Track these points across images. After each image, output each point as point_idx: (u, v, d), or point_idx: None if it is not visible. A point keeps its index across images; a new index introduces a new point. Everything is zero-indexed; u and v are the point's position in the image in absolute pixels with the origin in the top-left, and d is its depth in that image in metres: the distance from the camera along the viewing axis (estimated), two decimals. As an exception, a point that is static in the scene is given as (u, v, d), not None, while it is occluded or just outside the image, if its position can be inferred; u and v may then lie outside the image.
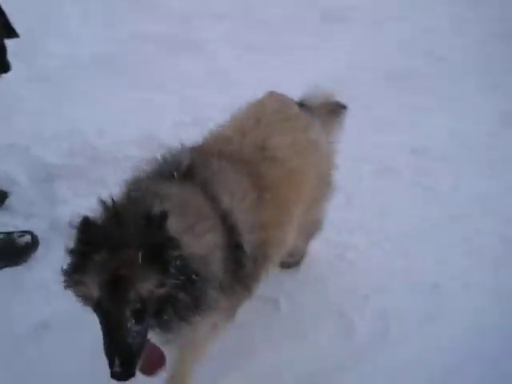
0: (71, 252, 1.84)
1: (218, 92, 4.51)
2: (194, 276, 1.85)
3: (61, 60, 4.86)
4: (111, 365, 1.75)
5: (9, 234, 3.13)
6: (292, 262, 3.10)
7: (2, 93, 4.18)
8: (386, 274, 3.16)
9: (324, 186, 2.76)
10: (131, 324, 1.76)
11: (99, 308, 1.79)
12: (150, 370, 1.96)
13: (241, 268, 2.16)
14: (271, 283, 2.85)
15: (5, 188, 3.47)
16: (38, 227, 3.25)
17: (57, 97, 4.43)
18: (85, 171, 3.70)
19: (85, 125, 4.06)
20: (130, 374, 1.77)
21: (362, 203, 3.61)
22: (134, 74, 4.72)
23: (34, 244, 3.12)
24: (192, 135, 3.88)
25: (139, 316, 1.78)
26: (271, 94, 2.73)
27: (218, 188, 2.12)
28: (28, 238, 3.13)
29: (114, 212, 1.84)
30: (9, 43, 2.86)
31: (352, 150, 3.41)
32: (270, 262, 2.40)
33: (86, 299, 1.84)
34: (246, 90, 4.35)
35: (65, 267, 1.85)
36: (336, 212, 3.09)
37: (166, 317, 1.86)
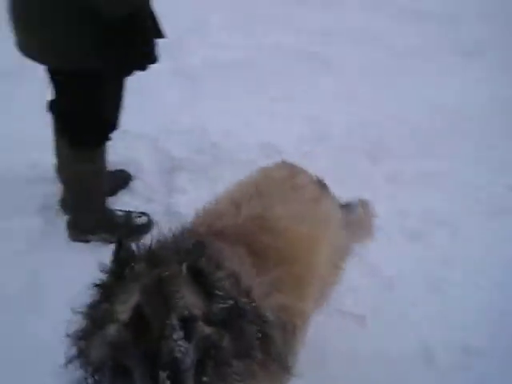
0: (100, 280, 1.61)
1: (343, 111, 4.59)
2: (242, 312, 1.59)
3: (202, 60, 5.15)
4: None
5: (128, 212, 3.40)
6: None
7: (144, 83, 4.55)
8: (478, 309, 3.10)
9: (333, 269, 2.41)
10: (179, 336, 1.42)
11: (137, 322, 1.44)
12: None
13: (271, 341, 1.78)
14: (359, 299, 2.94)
15: (131, 172, 3.77)
16: (155, 211, 3.51)
17: (193, 94, 4.72)
18: (206, 168, 3.93)
19: (213, 124, 4.31)
20: None
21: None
22: (266, 82, 4.90)
23: (148, 225, 3.38)
24: (311, 148, 4.11)
25: (190, 328, 1.46)
26: (282, 165, 2.52)
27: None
28: (144, 219, 3.39)
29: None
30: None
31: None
32: (299, 332, 2.05)
33: (119, 321, 1.49)
34: (369, 109, 4.51)
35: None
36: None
37: (205, 378, 1.50)
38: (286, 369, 1.89)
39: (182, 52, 5.21)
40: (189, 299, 1.49)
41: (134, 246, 1.64)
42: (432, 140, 4.36)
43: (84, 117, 2.99)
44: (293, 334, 1.97)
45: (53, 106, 3.07)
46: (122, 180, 3.70)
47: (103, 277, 1.60)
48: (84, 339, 1.57)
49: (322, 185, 2.43)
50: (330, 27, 5.71)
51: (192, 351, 1.45)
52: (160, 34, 3.08)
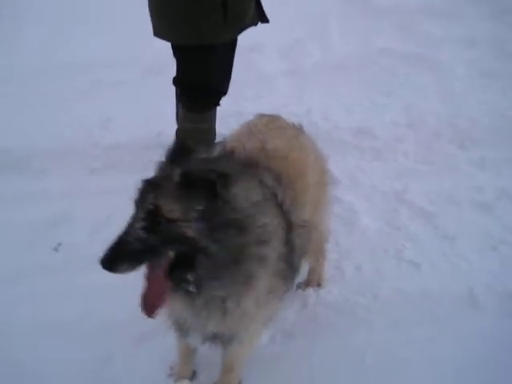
0: None
1: (440, 103, 4.97)
2: (235, 230, 1.87)
3: (315, 60, 5.77)
4: None
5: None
6: (312, 283, 3.25)
7: (258, 76, 5.29)
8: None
9: (323, 188, 2.86)
10: (139, 224, 1.82)
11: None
12: (149, 308, 1.94)
13: (293, 252, 2.26)
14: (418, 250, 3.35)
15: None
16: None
17: (303, 87, 5.35)
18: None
19: (316, 110, 4.89)
20: (105, 265, 1.80)
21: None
22: (370, 79, 5.40)
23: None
24: (403, 133, 4.55)
25: (149, 222, 1.81)
26: (260, 115, 2.93)
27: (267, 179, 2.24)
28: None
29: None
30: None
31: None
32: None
33: None
34: (471, 108, 4.84)
35: None
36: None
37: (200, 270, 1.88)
38: (294, 272, 2.41)
39: (298, 52, 5.87)
40: (162, 201, 1.81)
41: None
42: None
43: (198, 86, 3.73)
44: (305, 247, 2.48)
45: (176, 80, 3.87)
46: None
47: None
48: None
49: (298, 126, 2.88)
50: (441, 35, 6.06)
51: (157, 242, 1.82)
52: (264, 19, 3.75)
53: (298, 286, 3.24)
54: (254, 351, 2.62)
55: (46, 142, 4.59)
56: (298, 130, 2.87)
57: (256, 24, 3.72)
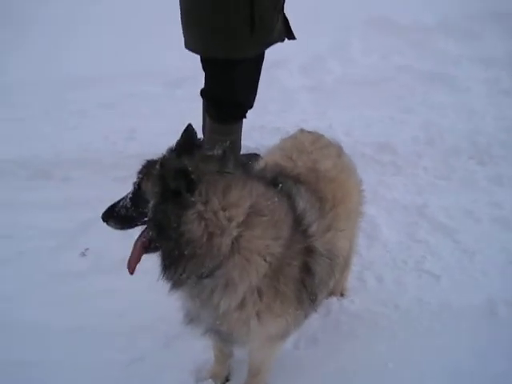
0: None
1: (457, 120, 5.07)
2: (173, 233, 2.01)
3: (336, 76, 5.89)
4: None
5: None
6: (336, 292, 3.28)
7: (280, 91, 5.41)
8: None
9: (359, 208, 2.89)
10: (129, 196, 2.22)
11: None
12: (129, 266, 2.27)
13: (310, 276, 2.29)
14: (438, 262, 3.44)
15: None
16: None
17: (324, 102, 5.47)
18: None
19: (337, 125, 5.01)
20: (102, 218, 2.26)
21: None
22: (390, 95, 5.51)
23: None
24: (422, 149, 4.64)
25: (134, 196, 2.18)
26: (302, 131, 3.01)
27: (296, 197, 2.33)
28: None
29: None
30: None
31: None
32: (336, 272, 2.55)
33: None
34: (488, 125, 4.93)
35: None
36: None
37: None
38: (314, 304, 2.41)
39: (318, 69, 6.00)
40: (146, 183, 2.14)
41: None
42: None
43: (224, 99, 3.84)
44: (334, 270, 2.49)
45: (203, 92, 3.98)
46: (253, 158, 4.49)
47: None
48: None
49: (339, 146, 2.91)
50: (458, 53, 6.16)
51: (135, 214, 2.20)
52: (291, 36, 3.87)
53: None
54: (276, 358, 2.69)
55: (71, 150, 4.73)
56: (340, 149, 2.90)
57: (283, 40, 3.84)
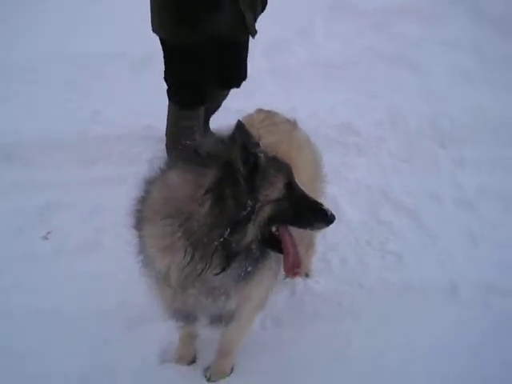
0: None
1: (421, 103, 5.11)
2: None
3: (300, 60, 5.87)
4: (323, 211, 2.17)
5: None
6: (301, 273, 3.26)
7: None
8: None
9: (316, 184, 2.95)
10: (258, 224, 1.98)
11: (288, 193, 2.09)
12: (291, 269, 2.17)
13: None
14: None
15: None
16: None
17: (288, 86, 5.44)
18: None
19: (301, 107, 4.97)
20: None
21: None
22: (354, 78, 5.52)
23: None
24: (385, 132, 4.67)
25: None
26: (259, 110, 3.11)
27: None
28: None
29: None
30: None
31: None
32: None
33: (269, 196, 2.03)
34: (451, 108, 4.98)
35: None
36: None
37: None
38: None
39: (283, 53, 5.97)
40: None
41: None
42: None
43: (179, 83, 3.84)
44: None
45: (164, 76, 3.94)
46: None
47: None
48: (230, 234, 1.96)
49: (292, 122, 2.99)
50: (420, 36, 6.20)
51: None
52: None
53: (287, 276, 3.32)
54: (248, 335, 2.71)
55: (35, 132, 4.61)
56: (292, 124, 2.97)
57: (235, 35, 3.77)
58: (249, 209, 1.91)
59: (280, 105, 4.86)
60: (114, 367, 2.83)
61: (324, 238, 3.64)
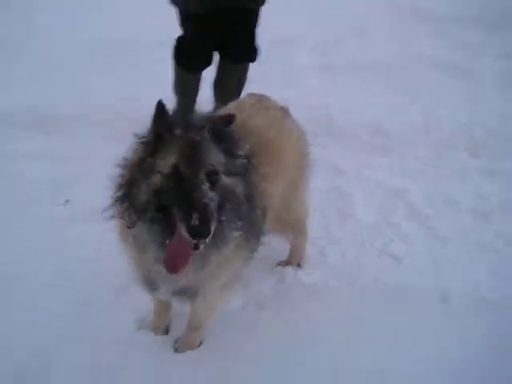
0: (145, 138, 2.11)
1: (460, 111, 5.02)
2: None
3: (349, 58, 5.91)
4: (188, 222, 1.90)
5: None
6: (292, 262, 3.36)
7: (288, 67, 5.42)
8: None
9: (299, 171, 2.96)
10: (206, 187, 1.97)
11: (175, 175, 1.98)
12: (174, 265, 2.10)
13: (255, 217, 2.39)
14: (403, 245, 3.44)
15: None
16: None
17: (330, 82, 5.52)
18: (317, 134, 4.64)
19: (337, 104, 5.02)
20: (208, 232, 1.91)
21: None
22: (399, 81, 5.49)
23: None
24: (417, 137, 4.61)
25: (214, 180, 2.01)
26: (251, 94, 3.11)
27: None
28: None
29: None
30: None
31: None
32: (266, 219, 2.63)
33: (161, 173, 2.02)
34: (490, 118, 4.84)
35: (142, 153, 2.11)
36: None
37: (223, 217, 2.08)
38: (258, 239, 2.57)
39: (333, 52, 5.99)
40: (214, 159, 2.03)
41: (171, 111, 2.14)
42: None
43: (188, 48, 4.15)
44: (264, 219, 2.59)
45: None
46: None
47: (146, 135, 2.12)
48: (130, 186, 2.09)
49: (284, 109, 2.99)
50: (484, 46, 6.06)
51: (215, 197, 2.01)
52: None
53: (279, 263, 3.36)
54: (217, 313, 2.77)
55: (68, 105, 4.84)
56: (284, 111, 2.99)
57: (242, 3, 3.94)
58: (140, 166, 2.06)
59: (314, 100, 4.99)
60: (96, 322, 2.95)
61: (328, 232, 3.66)
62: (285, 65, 5.69)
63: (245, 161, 2.20)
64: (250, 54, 4.26)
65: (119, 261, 3.11)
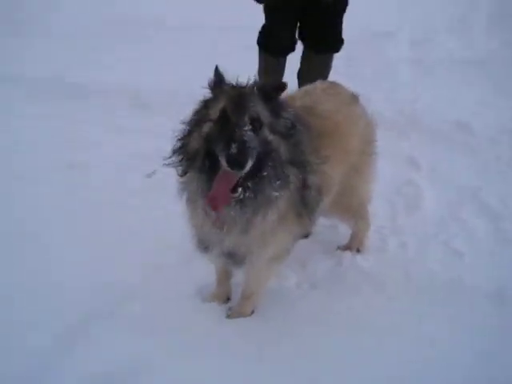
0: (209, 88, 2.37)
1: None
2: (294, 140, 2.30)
3: (446, 53, 5.87)
4: (227, 151, 2.09)
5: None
6: (352, 247, 3.48)
7: (383, 61, 5.46)
8: None
9: (364, 157, 3.07)
10: (248, 128, 2.17)
11: (222, 119, 2.21)
12: (215, 202, 2.25)
13: (307, 189, 2.53)
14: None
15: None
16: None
17: (423, 76, 5.54)
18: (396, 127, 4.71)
19: (425, 99, 5.08)
20: (244, 161, 2.09)
21: None
22: (496, 80, 5.42)
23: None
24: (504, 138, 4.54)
25: (255, 125, 2.19)
26: (323, 81, 3.22)
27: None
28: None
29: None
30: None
31: None
32: (324, 196, 2.77)
33: (211, 120, 2.26)
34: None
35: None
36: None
37: (265, 172, 2.26)
38: (309, 217, 2.65)
39: (431, 45, 5.95)
40: (259, 109, 2.23)
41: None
42: None
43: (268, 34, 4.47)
44: (321, 198, 2.71)
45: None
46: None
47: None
48: (185, 136, 2.37)
49: (355, 96, 3.11)
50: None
51: (256, 143, 2.18)
52: None
53: (339, 247, 3.50)
54: (267, 284, 2.98)
55: (170, 87, 5.19)
56: (354, 98, 3.11)
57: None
58: (196, 119, 2.35)
59: (402, 93, 5.04)
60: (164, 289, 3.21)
61: (394, 221, 3.74)
62: (379, 59, 5.75)
63: (288, 122, 2.35)
64: (333, 44, 4.39)
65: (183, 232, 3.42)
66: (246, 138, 2.13)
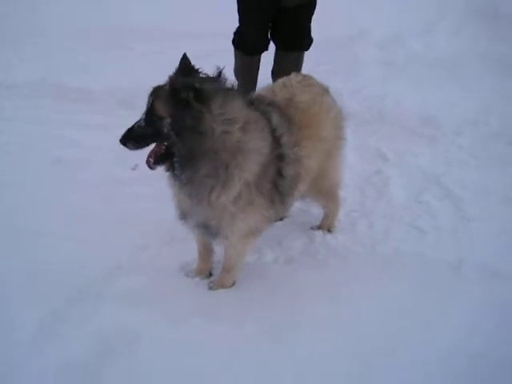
0: None
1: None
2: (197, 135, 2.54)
3: (412, 54, 6.17)
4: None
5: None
6: (323, 227, 3.79)
7: (353, 62, 5.74)
8: None
9: (335, 142, 3.37)
10: (142, 119, 2.62)
11: None
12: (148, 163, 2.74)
13: (281, 179, 2.89)
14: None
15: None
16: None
17: (391, 76, 5.83)
18: (369, 121, 5.02)
19: (393, 95, 5.38)
20: (123, 142, 2.65)
21: None
22: (459, 78, 5.72)
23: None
24: (466, 130, 4.85)
25: (148, 118, 2.59)
26: (296, 73, 3.47)
27: (269, 114, 2.89)
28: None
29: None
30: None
31: None
32: (300, 184, 3.11)
33: None
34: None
35: None
36: None
37: (175, 158, 2.63)
38: (283, 202, 2.99)
39: (397, 47, 6.28)
40: (157, 105, 2.57)
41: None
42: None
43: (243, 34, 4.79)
44: (296, 183, 3.04)
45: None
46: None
47: None
48: None
49: (325, 87, 3.43)
50: None
51: (146, 131, 2.65)
52: None
53: (312, 227, 3.80)
54: (244, 259, 3.25)
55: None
56: (325, 89, 3.42)
57: None
58: None
59: (371, 90, 5.35)
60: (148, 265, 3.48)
61: (363, 205, 4.04)
62: (349, 60, 6.04)
63: (198, 113, 2.54)
64: (303, 43, 4.73)
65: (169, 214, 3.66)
66: (134, 126, 2.65)
